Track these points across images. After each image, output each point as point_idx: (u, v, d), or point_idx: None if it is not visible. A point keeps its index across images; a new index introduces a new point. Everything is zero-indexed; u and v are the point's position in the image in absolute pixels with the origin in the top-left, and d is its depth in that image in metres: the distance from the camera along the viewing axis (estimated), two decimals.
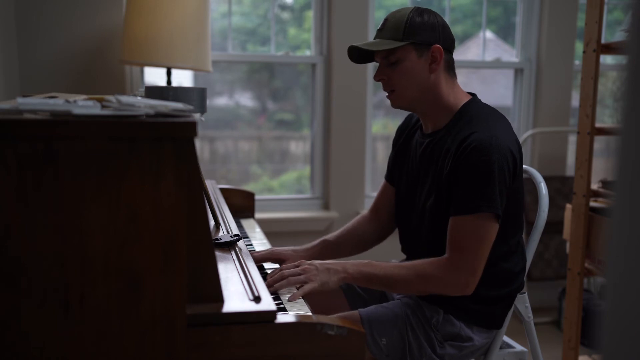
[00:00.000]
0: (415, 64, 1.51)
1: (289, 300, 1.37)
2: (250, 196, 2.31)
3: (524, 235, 1.63)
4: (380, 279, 1.47)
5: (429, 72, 1.52)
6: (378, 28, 1.56)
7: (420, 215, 1.59)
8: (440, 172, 1.52)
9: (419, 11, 1.52)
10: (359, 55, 1.59)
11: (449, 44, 1.55)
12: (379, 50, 1.52)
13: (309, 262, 1.47)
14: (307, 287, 1.40)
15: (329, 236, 1.77)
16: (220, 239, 1.50)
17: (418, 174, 1.61)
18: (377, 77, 1.57)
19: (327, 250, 1.73)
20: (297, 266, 1.45)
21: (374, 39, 1.56)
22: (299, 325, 1.12)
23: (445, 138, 1.53)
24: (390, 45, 1.50)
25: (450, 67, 1.56)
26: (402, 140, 1.72)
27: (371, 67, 3.16)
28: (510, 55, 3.54)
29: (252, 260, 1.44)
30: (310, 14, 3.18)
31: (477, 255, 1.44)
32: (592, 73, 2.16)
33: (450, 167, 1.47)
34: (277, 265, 1.66)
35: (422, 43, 1.50)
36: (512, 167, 1.46)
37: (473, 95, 1.61)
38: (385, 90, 1.58)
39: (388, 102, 1.60)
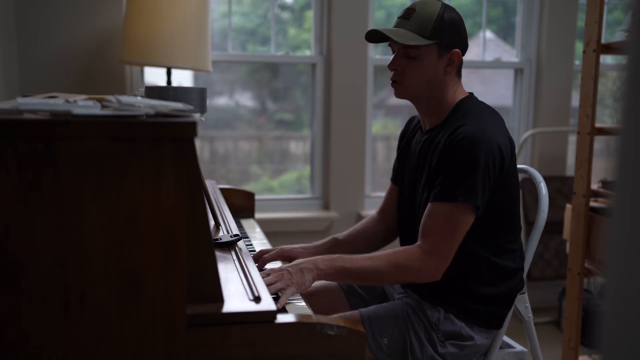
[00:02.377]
0: (434, 64, 1.52)
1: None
2: (250, 196, 2.31)
3: (524, 235, 1.63)
4: (352, 272, 1.46)
5: (443, 73, 1.53)
6: (402, 15, 1.54)
7: (417, 212, 1.59)
8: (430, 166, 1.53)
9: (448, 10, 1.52)
10: (374, 34, 1.57)
11: (465, 48, 1.57)
12: (403, 43, 1.50)
13: (278, 267, 1.46)
14: (288, 292, 1.38)
15: (339, 235, 1.78)
16: (220, 239, 1.50)
17: (416, 172, 1.62)
18: (391, 67, 1.56)
19: (337, 248, 1.73)
20: (268, 274, 1.42)
21: (396, 26, 1.54)
22: (299, 325, 1.12)
23: (439, 133, 1.54)
24: (416, 42, 1.49)
25: (459, 69, 1.58)
26: (404, 143, 1.74)
27: (371, 68, 3.16)
28: (510, 55, 3.54)
29: (252, 260, 1.44)
30: (310, 14, 3.18)
31: (448, 243, 1.44)
32: (592, 73, 2.16)
33: (438, 159, 1.48)
34: (278, 263, 1.66)
35: (446, 45, 1.51)
36: (498, 162, 1.46)
37: (470, 94, 1.61)
38: (394, 79, 1.56)
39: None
